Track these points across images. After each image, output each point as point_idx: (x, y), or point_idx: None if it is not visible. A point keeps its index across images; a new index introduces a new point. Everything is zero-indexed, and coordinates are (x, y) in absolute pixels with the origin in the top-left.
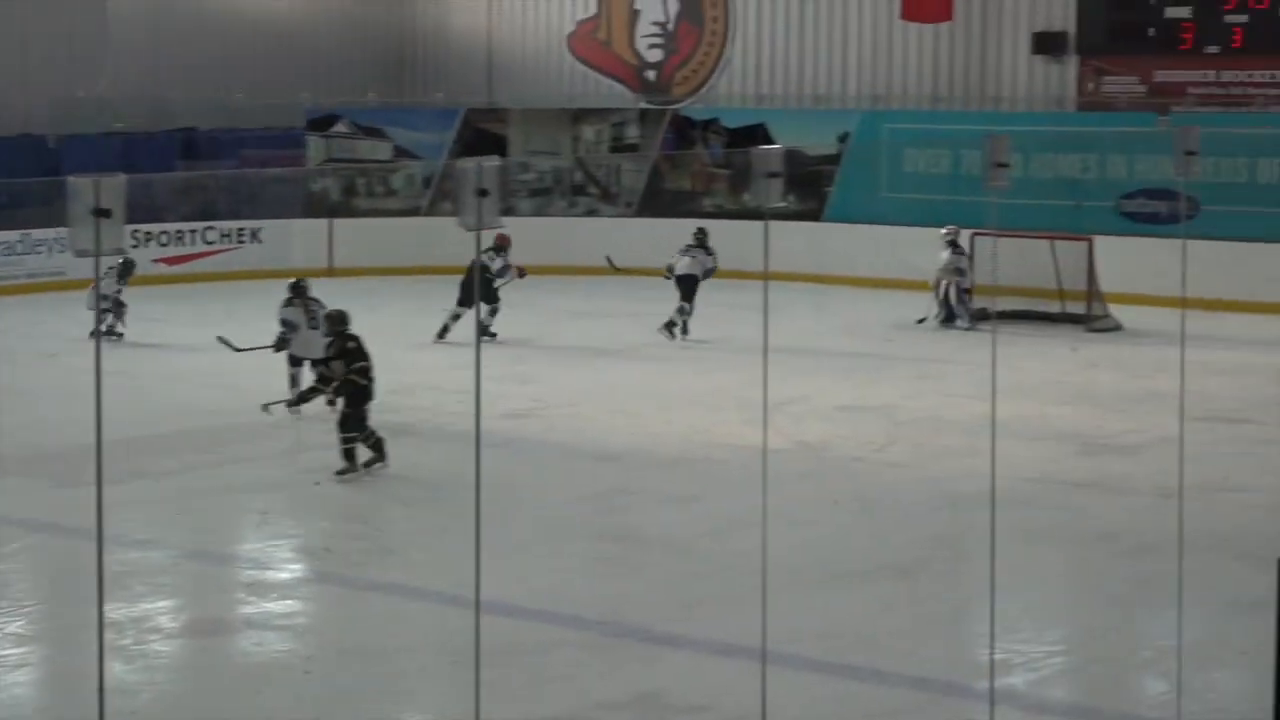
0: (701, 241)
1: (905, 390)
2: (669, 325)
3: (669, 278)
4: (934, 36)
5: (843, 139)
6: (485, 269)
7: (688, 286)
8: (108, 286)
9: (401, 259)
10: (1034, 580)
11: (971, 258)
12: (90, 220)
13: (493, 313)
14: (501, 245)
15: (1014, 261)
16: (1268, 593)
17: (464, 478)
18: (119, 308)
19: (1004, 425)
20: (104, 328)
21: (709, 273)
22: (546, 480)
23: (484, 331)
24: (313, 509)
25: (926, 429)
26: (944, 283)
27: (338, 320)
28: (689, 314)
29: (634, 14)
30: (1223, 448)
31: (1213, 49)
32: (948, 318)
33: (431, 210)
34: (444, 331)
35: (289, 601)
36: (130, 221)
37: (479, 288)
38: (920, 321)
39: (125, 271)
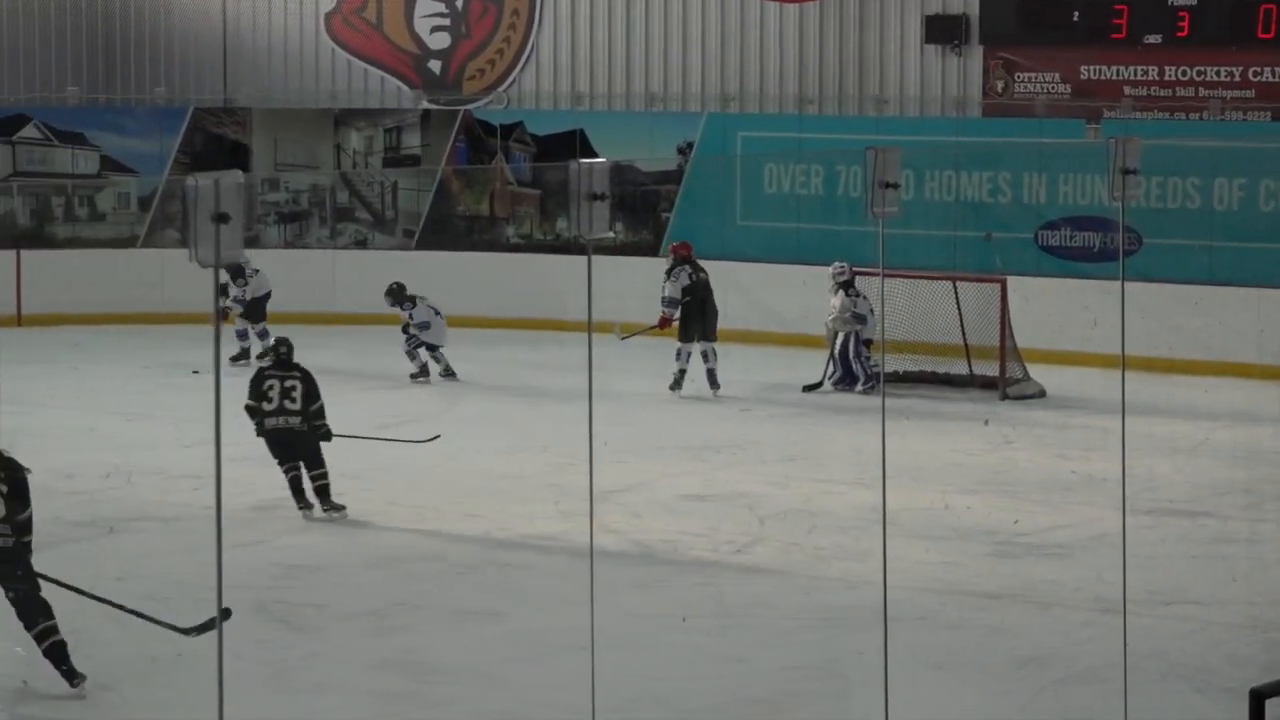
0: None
1: (770, 475)
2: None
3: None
4: (799, 20)
5: (684, 151)
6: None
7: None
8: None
9: (113, 303)
10: (938, 719)
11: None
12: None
13: (706, 356)
14: (684, 257)
15: (906, 309)
16: None
17: (201, 589)
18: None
19: (896, 520)
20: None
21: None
22: (307, 591)
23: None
24: (3, 630)
25: (798, 525)
26: (840, 335)
27: None
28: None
29: None
30: (1175, 548)
31: (1154, 39)
32: (843, 378)
33: (151, 240)
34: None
35: None
36: None
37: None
38: (812, 388)
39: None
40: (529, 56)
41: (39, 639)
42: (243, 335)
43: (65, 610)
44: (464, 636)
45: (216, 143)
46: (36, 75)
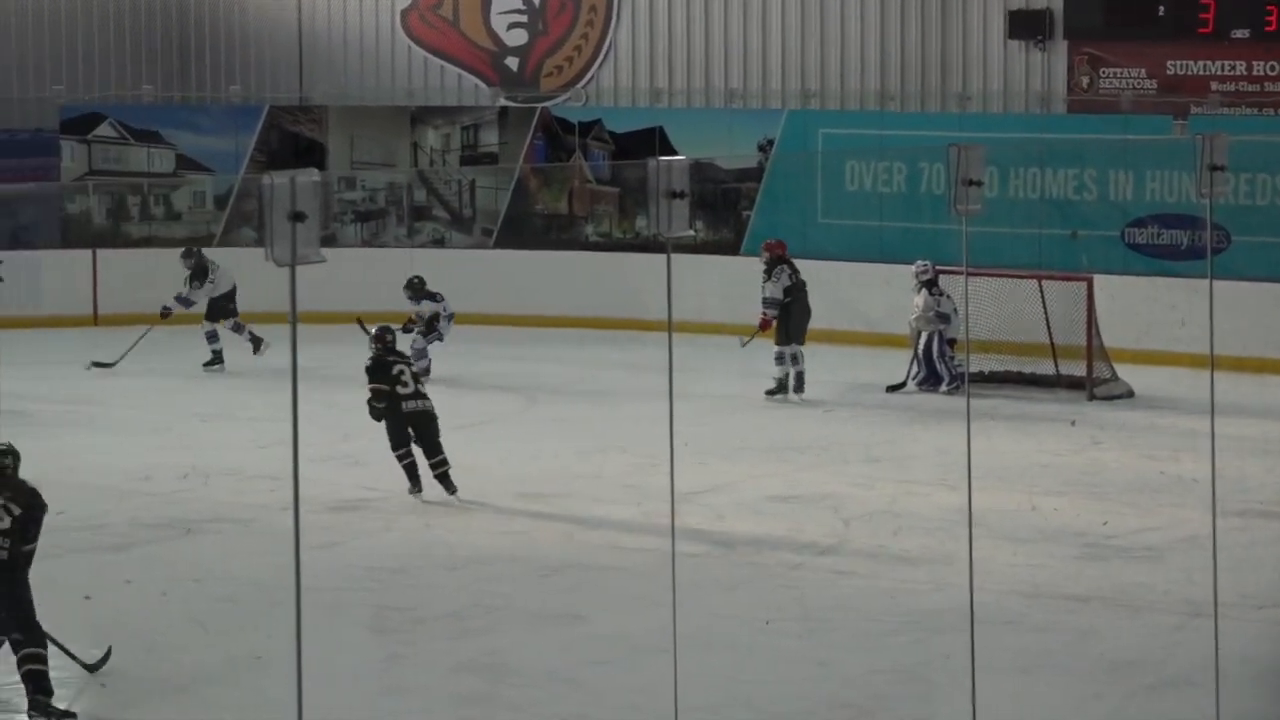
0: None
1: (855, 476)
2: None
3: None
4: (880, 15)
5: (765, 148)
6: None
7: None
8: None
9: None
10: None
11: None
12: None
13: (795, 358)
14: (780, 256)
15: (991, 308)
16: None
17: (279, 591)
18: None
19: (983, 522)
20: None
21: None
22: (386, 593)
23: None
24: (82, 632)
25: (883, 527)
26: (923, 334)
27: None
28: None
29: None
30: (1266, 551)
31: (1241, 33)
32: (928, 378)
33: (228, 238)
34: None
35: None
36: None
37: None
38: (896, 388)
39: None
40: (607, 53)
41: (20, 662)
42: (212, 337)
43: (143, 614)
44: (544, 639)
45: (292, 141)
46: (111, 73)
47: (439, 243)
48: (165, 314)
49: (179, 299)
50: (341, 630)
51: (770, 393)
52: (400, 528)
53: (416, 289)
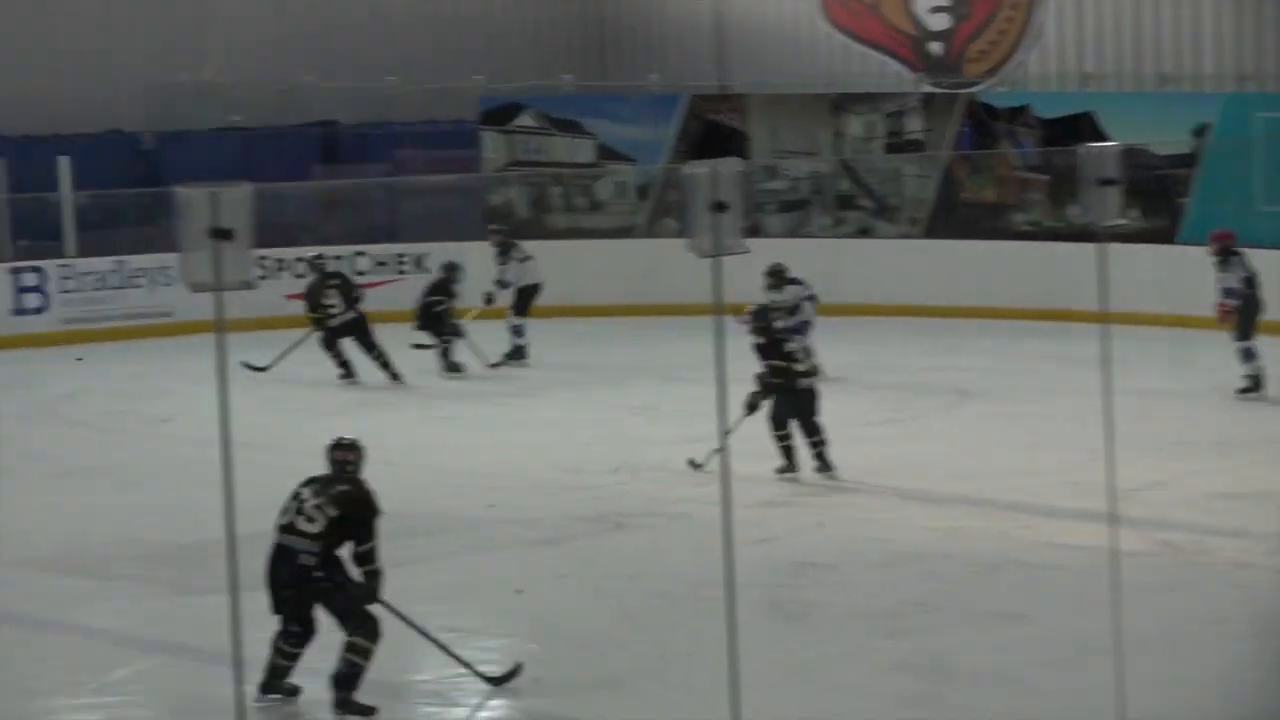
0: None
1: None
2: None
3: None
4: None
5: (1200, 133)
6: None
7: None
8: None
9: (612, 294)
10: None
11: None
12: (208, 243)
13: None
14: (1229, 247)
15: None
16: None
17: (709, 587)
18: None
19: None
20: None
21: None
22: (819, 590)
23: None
24: (514, 627)
25: None
26: None
27: None
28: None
29: None
30: None
31: None
32: None
33: (652, 229)
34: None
35: None
36: (255, 245)
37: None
38: None
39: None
40: (1034, 37)
41: (342, 648)
42: (518, 332)
43: (576, 609)
44: (984, 639)
45: (713, 130)
46: (530, 63)
47: (864, 233)
48: (489, 301)
49: (498, 283)
50: (774, 626)
51: (1243, 391)
52: (833, 523)
53: (778, 277)
